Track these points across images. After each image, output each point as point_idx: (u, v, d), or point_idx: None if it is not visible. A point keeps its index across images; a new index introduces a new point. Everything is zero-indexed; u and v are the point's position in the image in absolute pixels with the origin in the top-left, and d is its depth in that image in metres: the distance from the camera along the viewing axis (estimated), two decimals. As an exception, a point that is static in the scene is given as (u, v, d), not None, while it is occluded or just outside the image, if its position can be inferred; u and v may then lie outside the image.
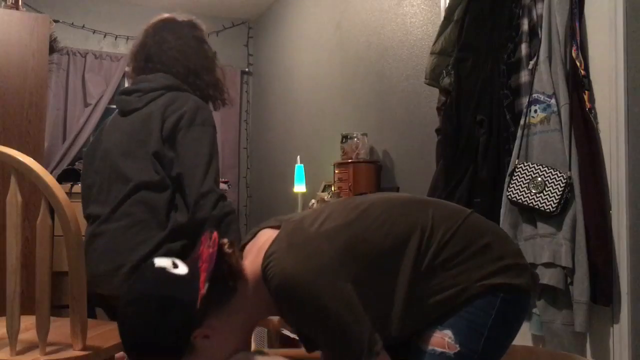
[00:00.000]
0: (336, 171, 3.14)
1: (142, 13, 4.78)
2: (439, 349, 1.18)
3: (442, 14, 2.39)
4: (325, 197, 3.09)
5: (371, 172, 3.04)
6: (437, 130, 2.33)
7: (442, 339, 1.18)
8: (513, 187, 1.93)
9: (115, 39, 4.66)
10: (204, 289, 1.09)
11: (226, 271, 1.14)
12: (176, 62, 1.89)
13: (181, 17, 1.99)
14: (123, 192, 1.76)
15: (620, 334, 1.78)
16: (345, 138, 3.12)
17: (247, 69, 5.09)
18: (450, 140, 2.19)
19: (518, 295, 1.22)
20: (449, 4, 2.28)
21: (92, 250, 1.76)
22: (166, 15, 1.99)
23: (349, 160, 3.04)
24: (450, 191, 2.16)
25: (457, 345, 1.17)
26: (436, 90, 2.38)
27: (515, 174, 1.94)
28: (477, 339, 1.18)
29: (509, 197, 1.95)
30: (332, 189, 3.14)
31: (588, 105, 1.85)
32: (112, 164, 1.82)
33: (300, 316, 1.14)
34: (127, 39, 4.70)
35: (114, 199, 1.78)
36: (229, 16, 5.03)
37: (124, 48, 4.69)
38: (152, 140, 1.76)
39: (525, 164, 1.93)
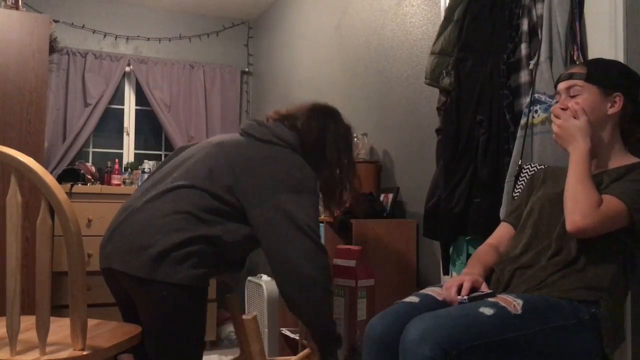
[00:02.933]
0: (336, 171, 3.14)
1: (142, 13, 4.78)
2: (503, 304, 1.34)
3: (442, 14, 2.39)
4: (325, 197, 3.09)
5: (371, 172, 3.04)
6: (437, 130, 2.33)
7: (511, 302, 1.35)
8: (520, 188, 1.92)
9: (115, 39, 4.66)
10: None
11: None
12: (313, 137, 1.95)
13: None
14: (178, 183, 1.78)
15: (620, 334, 1.78)
16: (345, 138, 3.12)
17: (247, 69, 5.09)
18: (450, 140, 2.19)
19: (600, 342, 1.39)
20: (449, 4, 2.28)
21: (127, 224, 1.76)
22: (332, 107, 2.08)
23: (349, 160, 3.04)
24: (450, 191, 2.16)
25: (521, 310, 1.32)
26: (436, 90, 2.38)
27: (522, 175, 1.93)
28: (539, 321, 1.33)
29: (516, 198, 1.94)
30: (332, 189, 3.14)
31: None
32: (189, 162, 1.84)
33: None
34: (127, 39, 4.70)
35: (168, 184, 1.80)
36: (229, 16, 5.02)
37: (124, 48, 4.69)
38: (231, 174, 1.79)
39: (533, 165, 1.92)
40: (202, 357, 1.83)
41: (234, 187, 1.78)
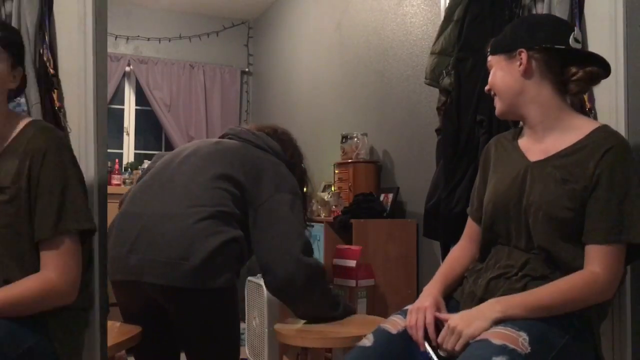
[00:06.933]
0: (336, 171, 3.14)
1: (142, 13, 4.78)
2: (512, 345, 1.21)
3: (442, 14, 2.38)
4: (325, 197, 3.09)
5: (371, 172, 3.04)
6: (437, 130, 2.33)
7: (517, 338, 1.23)
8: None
9: (116, 39, 4.66)
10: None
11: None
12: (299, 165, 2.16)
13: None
14: (192, 183, 1.81)
15: (620, 334, 1.78)
16: (345, 138, 3.12)
17: (247, 69, 5.10)
18: (450, 140, 2.19)
19: (593, 343, 1.33)
20: (449, 4, 2.28)
21: (153, 234, 1.73)
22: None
23: (349, 160, 3.05)
24: (450, 191, 2.15)
25: (530, 347, 1.21)
26: (436, 90, 2.38)
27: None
28: (548, 351, 1.24)
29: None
30: (332, 189, 3.14)
31: (588, 105, 1.85)
32: (195, 160, 1.88)
33: (614, 171, 1.30)
34: (127, 39, 4.70)
35: (182, 184, 1.81)
36: (229, 16, 5.03)
37: (124, 48, 4.69)
38: (236, 172, 1.84)
39: None
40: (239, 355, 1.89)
41: (244, 184, 1.83)
